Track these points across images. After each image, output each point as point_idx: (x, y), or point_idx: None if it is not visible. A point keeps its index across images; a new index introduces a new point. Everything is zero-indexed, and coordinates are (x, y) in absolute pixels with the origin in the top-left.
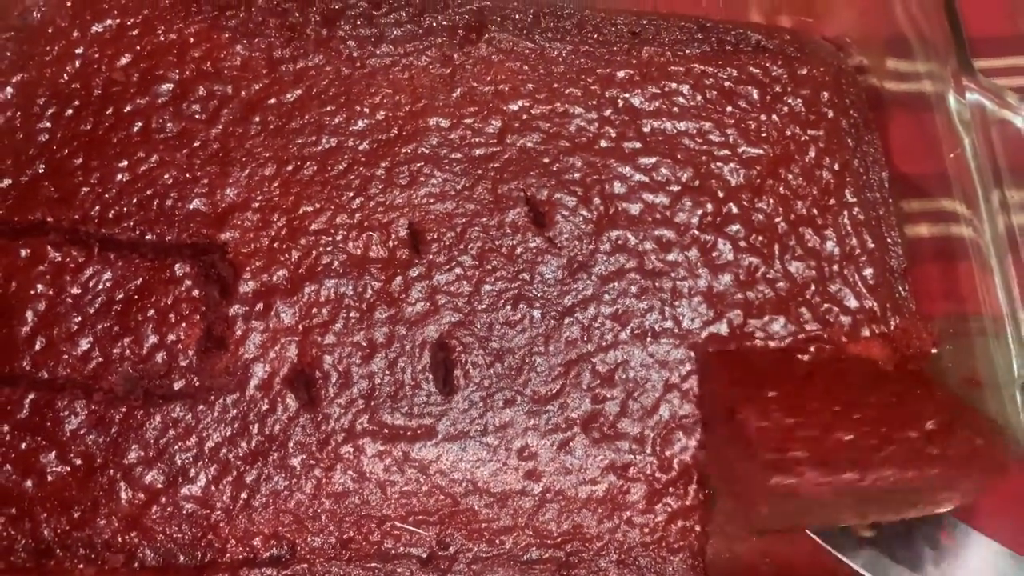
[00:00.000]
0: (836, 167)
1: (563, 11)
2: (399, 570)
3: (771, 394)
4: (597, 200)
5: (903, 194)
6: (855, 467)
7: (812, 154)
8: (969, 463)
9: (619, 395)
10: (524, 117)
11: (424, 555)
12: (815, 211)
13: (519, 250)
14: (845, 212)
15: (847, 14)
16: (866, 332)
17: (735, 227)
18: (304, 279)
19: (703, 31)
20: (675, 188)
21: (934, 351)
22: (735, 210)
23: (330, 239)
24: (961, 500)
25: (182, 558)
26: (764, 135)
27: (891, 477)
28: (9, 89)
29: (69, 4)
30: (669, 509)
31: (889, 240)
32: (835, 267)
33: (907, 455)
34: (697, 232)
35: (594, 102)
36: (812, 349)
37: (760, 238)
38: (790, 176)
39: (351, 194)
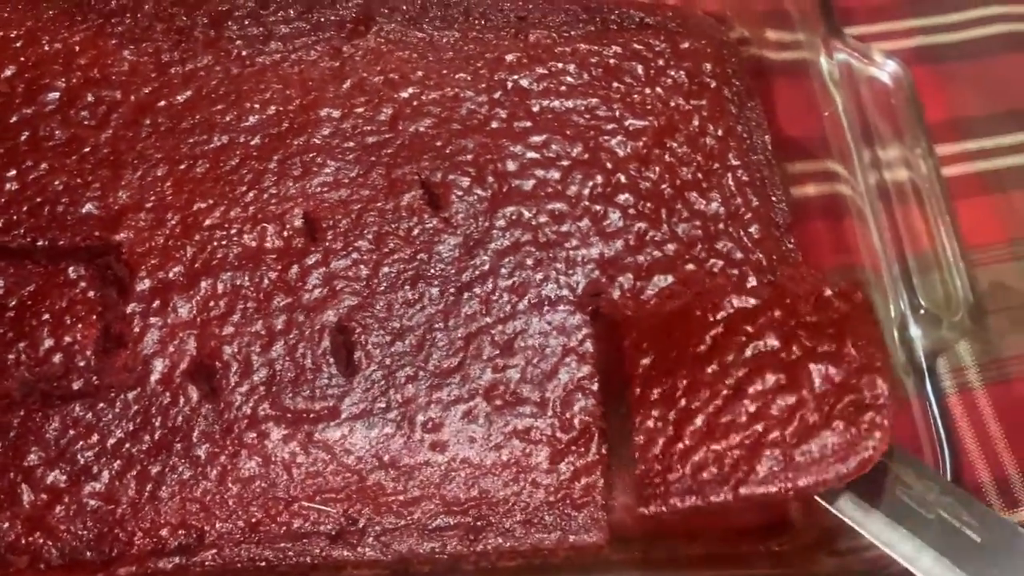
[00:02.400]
0: (720, 133)
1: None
2: (309, 547)
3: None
4: (491, 179)
5: (788, 157)
6: (733, 485)
7: (696, 123)
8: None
9: (519, 363)
10: (415, 103)
11: (333, 532)
12: (700, 176)
13: (416, 232)
14: (729, 175)
15: None
16: (753, 281)
17: (624, 196)
18: (200, 274)
19: (587, 12)
20: (566, 163)
21: (828, 292)
22: (624, 180)
23: (224, 233)
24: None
25: (88, 554)
26: (649, 107)
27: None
28: None
29: None
30: (572, 467)
31: (774, 198)
32: (721, 226)
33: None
34: (588, 203)
35: (484, 85)
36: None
37: (648, 204)
38: (675, 145)
39: (244, 188)
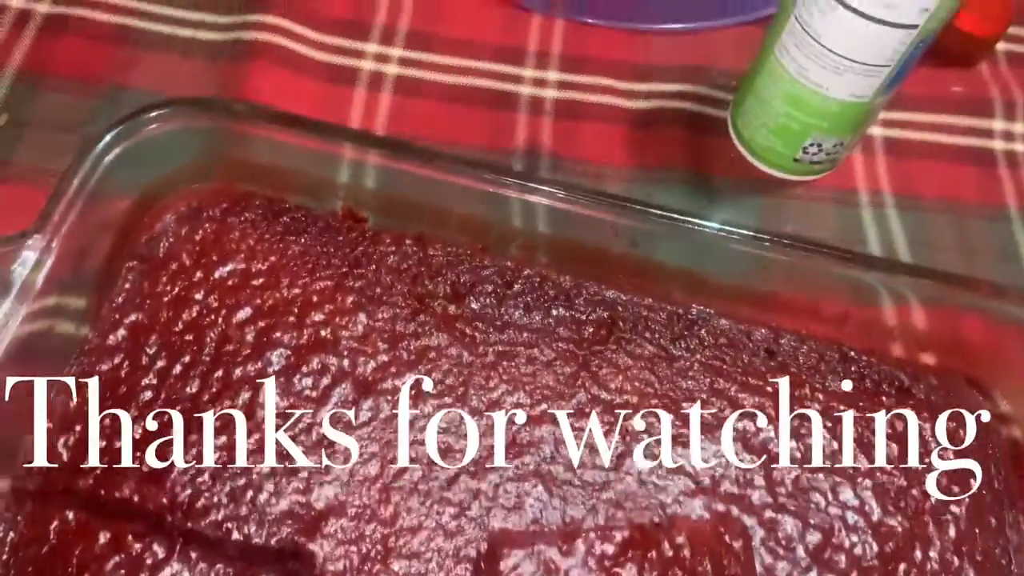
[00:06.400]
0: (978, 558)
1: (698, 316)
2: None
3: None
4: None
5: None
6: None
7: (951, 534)
8: None
9: None
10: (644, 438)
11: None
12: None
13: None
14: None
15: (997, 358)
16: None
17: None
18: None
19: (844, 362)
20: (801, 554)
21: None
22: None
23: (423, 567)
24: None
25: None
26: (902, 505)
27: None
28: (121, 331)
29: (198, 238)
30: None
31: None
32: None
33: None
34: None
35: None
36: None
37: None
38: (928, 562)
39: (453, 511)
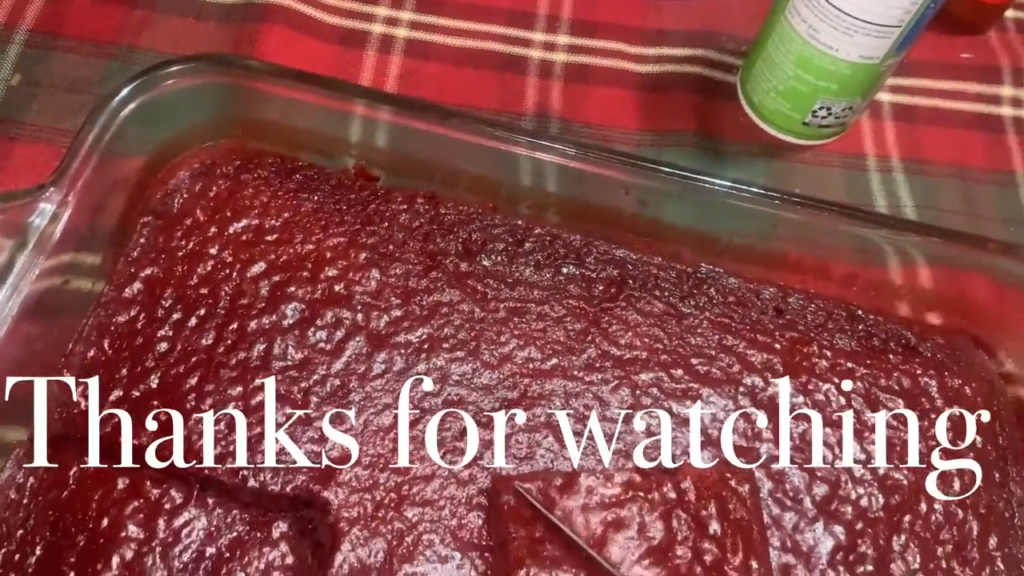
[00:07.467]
0: (982, 510)
1: (707, 275)
2: None
3: None
4: None
5: None
6: None
7: (956, 487)
8: None
9: None
10: (653, 392)
11: None
12: (955, 564)
13: None
14: (987, 569)
15: (1003, 318)
16: None
17: (867, 568)
18: (403, 560)
19: (851, 320)
20: (808, 506)
21: None
22: (870, 551)
23: (436, 514)
24: None
25: None
26: (908, 459)
27: None
28: (137, 284)
29: (212, 195)
30: None
31: None
32: None
33: None
34: (826, 566)
35: (730, 389)
36: None
37: None
38: (932, 514)
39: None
